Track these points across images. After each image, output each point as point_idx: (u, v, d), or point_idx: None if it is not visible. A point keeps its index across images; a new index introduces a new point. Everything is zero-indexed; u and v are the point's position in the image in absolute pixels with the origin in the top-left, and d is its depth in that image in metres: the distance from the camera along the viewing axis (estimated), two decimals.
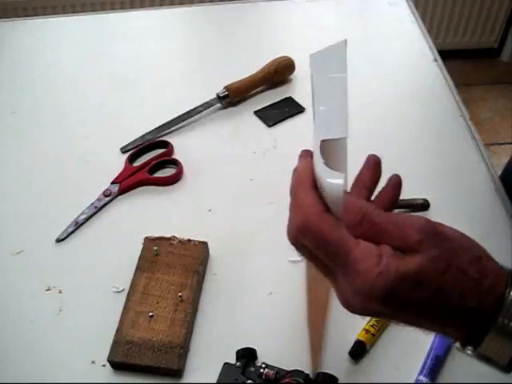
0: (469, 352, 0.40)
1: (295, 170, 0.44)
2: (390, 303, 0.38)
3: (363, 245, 0.38)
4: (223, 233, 0.71)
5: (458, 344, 0.41)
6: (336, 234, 0.39)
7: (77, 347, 0.61)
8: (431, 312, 0.38)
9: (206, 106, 0.86)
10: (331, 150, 0.43)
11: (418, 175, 0.75)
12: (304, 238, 0.40)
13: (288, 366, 0.57)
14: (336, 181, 0.38)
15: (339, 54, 0.46)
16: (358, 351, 0.59)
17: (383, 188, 0.46)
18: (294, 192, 0.42)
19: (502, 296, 0.37)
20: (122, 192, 0.76)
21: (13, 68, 0.97)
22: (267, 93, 0.90)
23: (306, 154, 0.44)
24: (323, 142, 0.42)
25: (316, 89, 0.45)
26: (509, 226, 0.69)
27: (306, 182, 0.41)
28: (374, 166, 0.46)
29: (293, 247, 0.43)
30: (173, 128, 0.84)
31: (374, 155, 0.47)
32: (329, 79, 0.45)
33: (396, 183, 0.45)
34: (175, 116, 0.85)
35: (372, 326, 0.60)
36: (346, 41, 0.46)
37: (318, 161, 0.40)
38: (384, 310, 0.38)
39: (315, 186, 0.41)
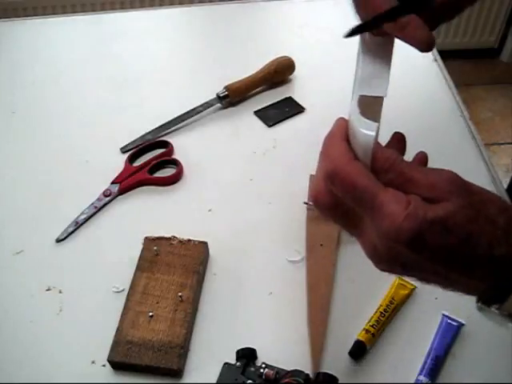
0: (493, 309, 0.40)
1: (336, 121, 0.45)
2: (416, 248, 0.37)
3: (391, 191, 0.38)
4: (223, 233, 0.71)
5: (480, 303, 0.40)
6: (365, 178, 0.39)
7: (77, 347, 0.61)
8: (458, 260, 0.38)
9: (206, 106, 0.86)
10: (368, 106, 0.44)
11: None
12: (332, 183, 0.40)
13: (288, 366, 0.57)
14: (368, 131, 0.40)
15: None
16: (358, 351, 0.59)
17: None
18: (325, 143, 0.43)
19: None
20: (122, 192, 0.76)
21: (13, 68, 0.97)
22: (267, 93, 0.90)
23: (342, 119, 0.45)
24: (362, 97, 0.44)
25: (365, 44, 0.47)
26: None
27: (337, 135, 0.42)
28: (398, 141, 0.47)
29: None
30: (173, 128, 0.84)
31: (399, 132, 0.47)
32: (378, 39, 0.47)
33: (423, 158, 0.46)
34: (175, 116, 0.85)
35: (372, 326, 0.60)
36: None
37: (354, 112, 0.42)
38: (411, 256, 0.38)
39: (347, 139, 0.42)
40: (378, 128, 0.41)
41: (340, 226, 0.44)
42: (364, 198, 0.39)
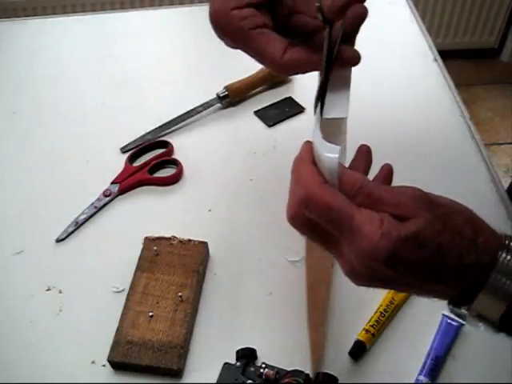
0: (463, 310, 0.42)
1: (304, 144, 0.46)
2: (392, 264, 0.39)
3: (365, 211, 0.40)
4: (223, 233, 0.71)
5: (451, 306, 0.43)
6: (338, 200, 0.40)
7: (77, 347, 0.61)
8: (431, 271, 0.40)
9: (206, 105, 0.86)
10: (331, 129, 0.45)
11: (417, 175, 0.75)
12: (307, 208, 0.41)
13: (288, 366, 0.57)
14: (331, 154, 0.41)
15: None
16: (358, 351, 0.59)
17: (375, 177, 0.47)
18: (294, 168, 0.44)
19: (496, 254, 0.40)
20: (122, 192, 0.76)
21: (13, 68, 0.97)
22: (267, 93, 0.90)
23: (308, 141, 0.46)
24: (325, 120, 0.45)
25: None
26: (509, 226, 0.69)
27: (305, 159, 0.43)
28: (365, 154, 0.48)
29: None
30: (173, 128, 0.84)
31: (365, 145, 0.48)
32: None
33: (388, 171, 0.47)
34: (175, 116, 0.85)
35: (372, 326, 0.60)
36: None
37: (317, 135, 0.43)
38: (387, 272, 0.40)
39: (314, 162, 0.43)
40: (343, 151, 0.42)
41: (318, 244, 0.45)
42: (340, 219, 0.40)
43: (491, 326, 0.42)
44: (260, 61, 0.50)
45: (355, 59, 0.47)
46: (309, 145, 0.44)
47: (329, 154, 0.41)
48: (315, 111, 0.46)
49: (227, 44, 0.53)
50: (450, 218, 0.40)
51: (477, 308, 0.41)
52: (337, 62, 0.47)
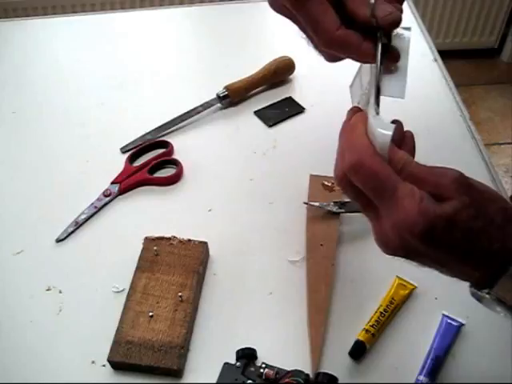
0: (484, 293, 0.44)
1: (345, 122, 0.48)
2: (426, 240, 0.41)
3: (409, 185, 0.42)
4: (223, 233, 0.71)
5: (472, 289, 0.45)
6: (387, 170, 0.43)
7: (77, 347, 0.61)
8: (459, 252, 0.42)
9: (206, 105, 0.86)
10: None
11: None
12: (356, 174, 0.43)
13: (288, 366, 0.57)
14: (386, 131, 0.43)
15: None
16: (358, 351, 0.59)
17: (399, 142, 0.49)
18: (348, 136, 0.46)
19: None
20: (122, 192, 0.76)
21: (13, 68, 0.97)
22: (267, 93, 0.90)
23: (357, 109, 0.49)
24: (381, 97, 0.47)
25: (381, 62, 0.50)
26: None
27: (360, 128, 0.45)
28: (410, 139, 0.49)
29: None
30: (173, 128, 0.84)
31: (409, 130, 0.50)
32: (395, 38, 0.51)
33: (410, 137, 0.49)
34: (175, 116, 0.85)
35: (372, 326, 0.60)
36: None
37: (373, 111, 0.46)
38: (419, 246, 0.42)
39: (367, 133, 0.45)
40: (395, 129, 0.44)
41: (359, 207, 0.47)
42: (385, 189, 0.42)
43: (509, 310, 0.44)
44: (313, 29, 0.51)
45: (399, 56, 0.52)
46: (363, 115, 0.46)
47: (383, 130, 0.43)
48: (370, 86, 0.49)
49: (281, 11, 0.54)
50: (485, 205, 0.42)
51: (497, 291, 0.43)
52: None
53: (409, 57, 0.51)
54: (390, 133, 0.43)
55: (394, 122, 0.47)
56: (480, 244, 0.41)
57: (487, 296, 0.43)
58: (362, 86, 0.54)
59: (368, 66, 0.53)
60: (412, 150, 0.48)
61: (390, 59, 0.51)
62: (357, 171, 0.43)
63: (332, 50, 0.52)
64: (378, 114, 0.46)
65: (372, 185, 0.43)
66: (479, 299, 0.45)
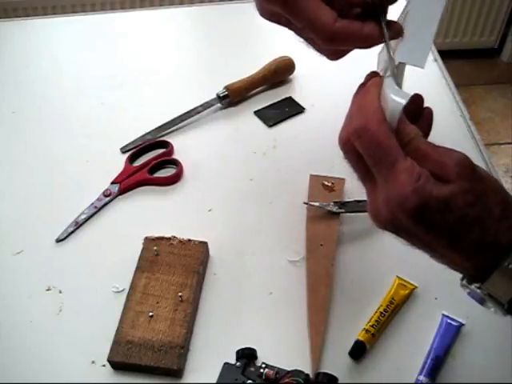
0: (474, 287, 0.42)
1: (360, 85, 0.47)
2: (416, 219, 0.40)
3: (409, 160, 0.41)
4: (223, 233, 0.71)
5: (464, 281, 0.44)
6: (391, 141, 0.41)
7: (77, 347, 0.61)
8: (451, 237, 0.41)
9: (206, 105, 0.86)
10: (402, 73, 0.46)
11: None
12: (359, 138, 0.42)
13: (288, 366, 0.57)
14: (400, 99, 0.42)
15: None
16: (358, 351, 0.59)
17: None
18: (360, 98, 0.44)
19: None
20: (122, 192, 0.76)
21: (13, 68, 0.97)
22: (267, 93, 0.90)
23: (375, 74, 0.48)
24: (400, 64, 0.46)
25: (411, 8, 0.48)
26: None
27: (373, 92, 0.43)
28: (428, 116, 0.49)
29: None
30: (173, 128, 0.84)
31: (429, 107, 0.50)
32: (425, 4, 0.48)
33: (429, 114, 0.49)
34: (175, 116, 0.85)
35: (372, 326, 0.60)
36: None
37: (389, 78, 0.44)
38: (408, 224, 0.41)
39: (379, 98, 0.44)
40: (409, 99, 0.42)
41: (357, 175, 0.46)
42: (385, 158, 0.41)
43: (500, 307, 0.42)
44: (311, 27, 0.49)
45: (402, 32, 0.49)
46: (378, 80, 0.45)
47: (397, 97, 0.42)
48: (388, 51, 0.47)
49: (272, 18, 0.53)
50: (485, 194, 0.41)
51: (488, 287, 0.42)
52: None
53: (436, 24, 0.48)
54: (404, 101, 0.42)
55: (414, 95, 0.45)
56: (473, 233, 0.40)
57: (478, 291, 0.42)
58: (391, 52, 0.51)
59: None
60: (427, 128, 0.47)
61: (393, 34, 0.48)
62: (360, 136, 0.42)
63: (335, 45, 0.50)
64: (396, 84, 0.44)
65: (372, 152, 0.42)
66: (469, 292, 0.44)
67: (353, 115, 0.44)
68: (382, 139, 0.41)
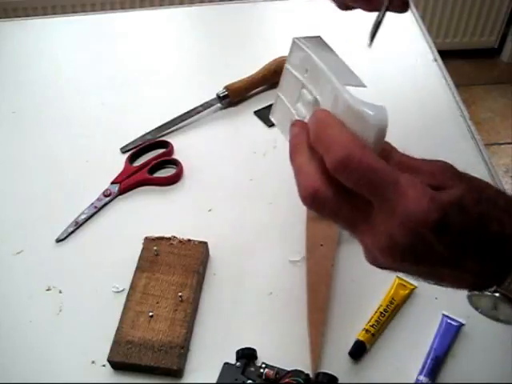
0: (489, 292, 0.40)
1: (293, 140, 0.42)
2: (440, 231, 0.36)
3: (407, 175, 0.37)
4: (223, 233, 0.71)
5: (474, 291, 0.41)
6: (381, 162, 0.37)
7: (77, 347, 0.61)
8: (475, 241, 0.38)
9: (206, 105, 0.86)
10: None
11: None
12: (346, 169, 0.37)
13: (288, 366, 0.57)
14: (379, 113, 0.37)
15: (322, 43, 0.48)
16: (358, 351, 0.59)
17: None
18: (323, 133, 0.39)
19: None
20: (122, 192, 0.76)
21: (13, 68, 0.97)
22: (267, 93, 0.90)
23: (302, 123, 0.43)
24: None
25: (321, 60, 0.45)
26: None
27: (334, 122, 0.39)
28: None
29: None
30: (173, 128, 0.84)
31: None
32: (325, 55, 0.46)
33: None
34: (175, 116, 0.85)
35: (372, 326, 0.60)
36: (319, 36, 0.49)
37: (350, 96, 0.39)
38: (431, 240, 0.37)
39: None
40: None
41: (342, 223, 0.41)
42: (384, 181, 0.37)
43: None
44: None
45: (407, 6, 0.49)
46: (326, 112, 0.40)
47: (374, 112, 0.37)
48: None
49: None
50: (483, 190, 0.39)
51: (509, 286, 0.39)
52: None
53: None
54: (386, 113, 0.37)
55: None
56: (494, 229, 0.37)
57: (496, 295, 0.39)
58: (290, 108, 0.48)
59: (290, 81, 0.48)
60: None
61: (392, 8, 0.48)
62: (347, 166, 0.37)
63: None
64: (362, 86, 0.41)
65: (367, 179, 0.37)
66: (477, 304, 0.42)
67: (327, 154, 0.38)
68: (373, 162, 0.37)
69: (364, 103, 0.38)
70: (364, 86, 0.42)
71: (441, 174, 0.39)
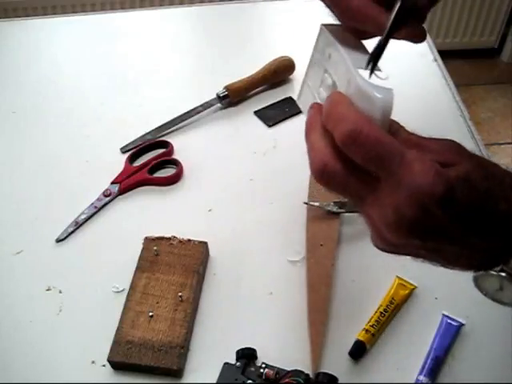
0: (495, 271, 0.40)
1: (309, 119, 0.44)
2: (446, 205, 0.36)
3: (414, 150, 0.38)
4: (223, 233, 0.71)
5: (479, 271, 0.41)
6: (388, 136, 0.38)
7: (77, 347, 0.61)
8: (482, 216, 0.38)
9: (206, 105, 0.86)
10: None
11: None
12: (354, 143, 0.38)
13: (288, 366, 0.57)
14: (386, 95, 0.38)
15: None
16: (358, 351, 0.59)
17: None
18: (332, 110, 0.40)
19: None
20: (122, 192, 0.76)
21: (13, 68, 0.97)
22: (267, 93, 0.90)
23: (318, 105, 0.44)
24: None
25: (342, 45, 0.46)
26: None
27: (344, 102, 0.40)
28: None
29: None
30: (173, 128, 0.84)
31: None
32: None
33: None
34: (175, 116, 0.85)
35: (372, 326, 0.60)
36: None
37: (361, 78, 0.41)
38: (437, 214, 0.37)
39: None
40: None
41: (349, 196, 0.41)
42: (390, 155, 0.37)
43: None
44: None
45: (421, 36, 0.48)
46: (340, 93, 0.42)
47: (381, 95, 0.38)
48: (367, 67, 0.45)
49: None
50: (490, 167, 0.40)
51: None
52: (400, 33, 0.47)
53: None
54: (393, 96, 0.38)
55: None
56: (501, 205, 0.37)
57: (502, 274, 0.39)
58: (313, 92, 0.49)
59: (314, 66, 0.50)
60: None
61: (403, 36, 0.47)
62: (354, 139, 0.37)
63: (350, 21, 0.48)
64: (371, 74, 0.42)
65: (374, 153, 0.37)
66: (483, 286, 0.41)
67: (335, 129, 0.39)
68: (380, 136, 0.37)
69: (373, 86, 0.39)
70: (379, 71, 0.44)
71: (448, 151, 0.39)
